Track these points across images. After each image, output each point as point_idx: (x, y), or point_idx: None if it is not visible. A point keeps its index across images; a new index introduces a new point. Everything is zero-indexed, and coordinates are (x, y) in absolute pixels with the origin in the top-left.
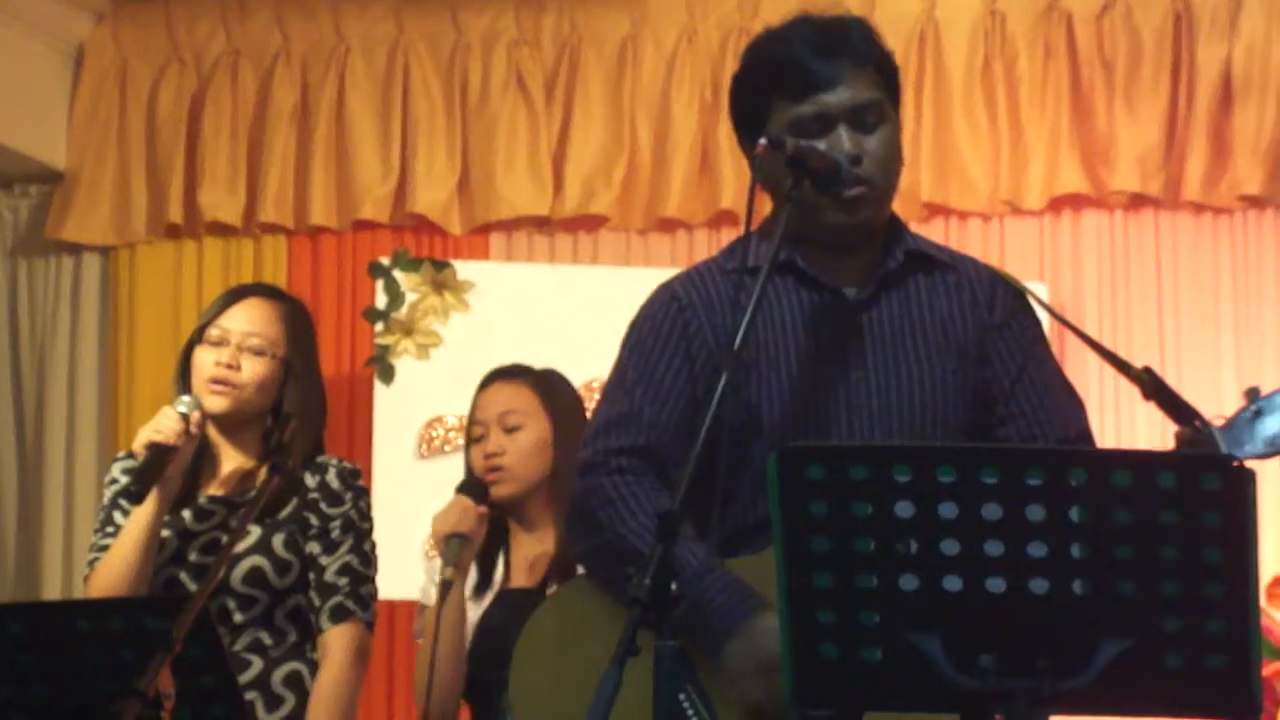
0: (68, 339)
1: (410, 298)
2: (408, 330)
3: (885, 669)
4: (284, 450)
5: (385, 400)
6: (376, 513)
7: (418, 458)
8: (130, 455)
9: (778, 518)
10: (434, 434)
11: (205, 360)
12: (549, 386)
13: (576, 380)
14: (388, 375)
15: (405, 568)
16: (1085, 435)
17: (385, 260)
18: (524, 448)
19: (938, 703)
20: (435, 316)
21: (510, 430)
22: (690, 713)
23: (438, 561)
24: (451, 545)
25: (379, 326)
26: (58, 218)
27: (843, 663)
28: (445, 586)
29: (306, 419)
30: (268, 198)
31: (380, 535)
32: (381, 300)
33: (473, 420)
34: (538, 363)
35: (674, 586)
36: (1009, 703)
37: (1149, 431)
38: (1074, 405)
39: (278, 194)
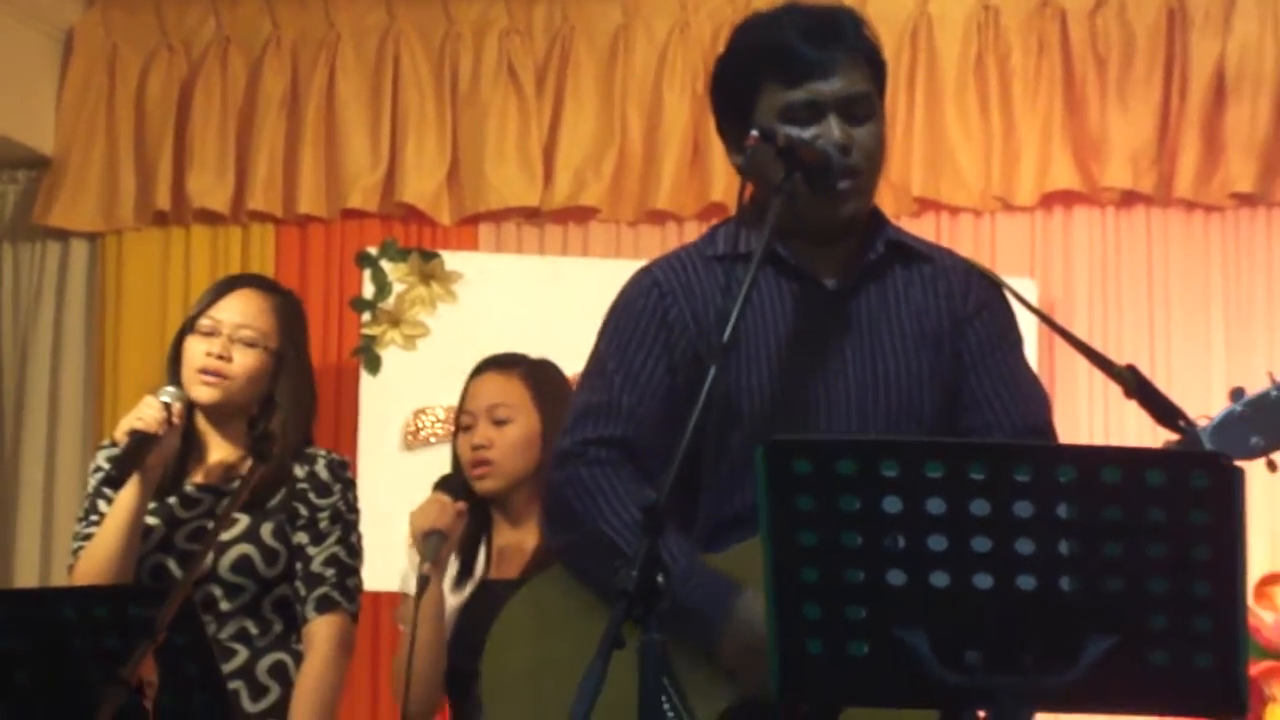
0: (51, 326)
1: (398, 288)
2: (395, 321)
3: (871, 664)
4: (269, 439)
5: (371, 391)
6: (362, 504)
7: (403, 449)
8: (115, 444)
9: (765, 512)
10: (420, 425)
11: (196, 350)
12: (541, 378)
13: (565, 373)
14: (374, 365)
15: (391, 559)
16: (1044, 428)
17: (373, 250)
18: (512, 441)
19: (923, 698)
20: (422, 307)
21: (499, 423)
22: (669, 711)
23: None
24: (430, 542)
25: (366, 316)
26: (45, 204)
27: (829, 657)
28: (422, 582)
29: (297, 410)
30: (256, 185)
31: (366, 526)
32: (369, 290)
33: (462, 409)
34: (527, 354)
35: (660, 579)
36: (994, 699)
37: (1139, 429)
38: (1037, 397)
39: (266, 182)
